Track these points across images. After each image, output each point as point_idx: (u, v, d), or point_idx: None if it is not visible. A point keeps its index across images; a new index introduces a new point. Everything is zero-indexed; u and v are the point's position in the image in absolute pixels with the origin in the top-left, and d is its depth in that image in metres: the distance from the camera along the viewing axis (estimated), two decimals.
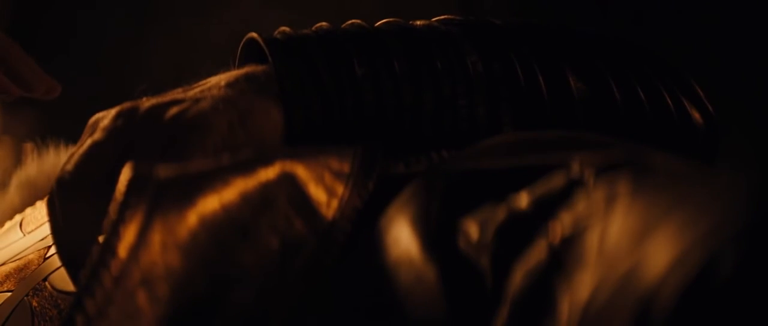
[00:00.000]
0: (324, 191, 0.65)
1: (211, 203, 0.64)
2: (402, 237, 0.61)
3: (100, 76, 1.43)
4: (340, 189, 0.65)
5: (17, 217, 0.88)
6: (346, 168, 0.66)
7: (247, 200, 0.64)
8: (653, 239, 0.48)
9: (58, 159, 0.95)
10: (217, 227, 0.64)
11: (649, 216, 0.50)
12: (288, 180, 0.65)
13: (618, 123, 0.76)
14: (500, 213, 0.57)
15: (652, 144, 0.75)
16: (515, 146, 0.64)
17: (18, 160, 0.97)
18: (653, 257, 0.47)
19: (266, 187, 0.65)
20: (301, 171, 0.65)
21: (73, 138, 0.91)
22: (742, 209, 0.47)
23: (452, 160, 0.67)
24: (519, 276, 0.53)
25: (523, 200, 0.57)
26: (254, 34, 0.76)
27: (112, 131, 0.71)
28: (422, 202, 0.62)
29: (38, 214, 0.86)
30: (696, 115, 0.79)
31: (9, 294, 0.78)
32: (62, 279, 0.76)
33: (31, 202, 0.91)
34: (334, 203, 0.65)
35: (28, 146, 0.97)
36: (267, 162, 0.66)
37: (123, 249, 0.63)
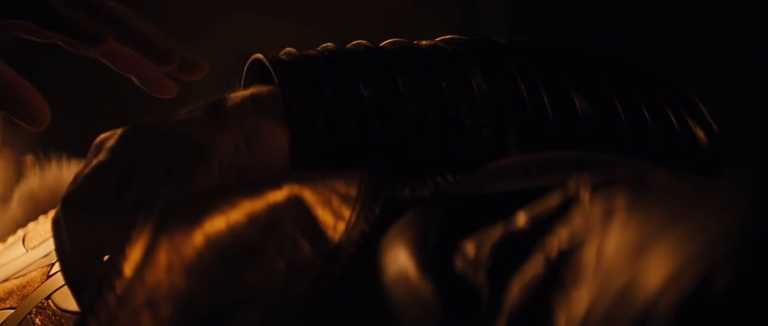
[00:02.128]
0: (331, 214, 0.65)
1: (217, 223, 0.64)
2: (399, 257, 0.61)
3: (102, 90, 1.43)
4: (347, 212, 0.65)
5: (20, 232, 0.88)
6: (353, 192, 0.66)
7: (254, 221, 0.64)
8: (650, 254, 0.49)
9: (60, 172, 0.95)
10: (224, 248, 0.64)
11: (646, 231, 0.50)
12: (295, 203, 0.65)
13: (623, 142, 0.76)
14: (496, 232, 0.57)
15: (656, 163, 0.75)
16: (518, 169, 0.65)
17: (19, 173, 0.97)
18: (650, 272, 0.48)
19: (274, 209, 0.65)
20: (308, 194, 0.66)
21: (74, 151, 0.91)
22: (738, 225, 0.48)
23: (456, 184, 0.67)
24: (516, 289, 0.54)
25: (520, 219, 0.57)
26: (260, 55, 0.76)
27: (118, 152, 0.71)
28: (421, 225, 0.62)
29: (41, 230, 0.86)
30: (700, 134, 0.79)
31: (11, 311, 0.78)
32: (65, 298, 0.76)
33: (33, 216, 0.91)
34: (341, 226, 0.65)
35: (29, 159, 0.97)
36: (275, 184, 0.66)
37: (128, 268, 0.63)
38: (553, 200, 0.57)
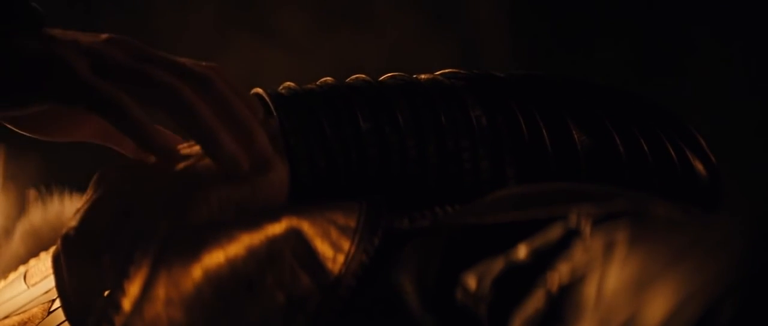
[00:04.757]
0: (330, 246, 0.65)
1: (216, 258, 0.64)
2: (401, 291, 0.61)
3: None
4: (346, 244, 0.66)
5: (21, 269, 0.88)
6: (351, 223, 0.67)
7: (253, 255, 0.64)
8: (651, 289, 0.48)
9: (62, 207, 0.95)
10: (223, 282, 0.64)
11: (648, 265, 0.50)
12: (294, 235, 0.65)
13: (621, 174, 0.76)
14: (498, 265, 0.57)
15: (655, 195, 0.75)
16: (518, 200, 0.65)
17: (22, 208, 0.97)
18: (651, 308, 0.48)
19: (272, 242, 0.65)
20: (307, 226, 0.66)
21: (77, 185, 0.91)
22: (739, 260, 0.48)
23: (455, 215, 0.67)
24: (517, 324, 0.54)
25: (521, 251, 0.57)
26: (259, 90, 0.76)
27: (117, 187, 0.71)
28: (422, 257, 0.62)
29: (42, 266, 0.86)
30: (699, 166, 0.79)
31: None
32: None
33: (35, 252, 0.90)
34: (340, 258, 0.65)
35: (32, 193, 0.97)
36: (273, 217, 0.66)
37: (127, 303, 0.63)
38: (554, 232, 0.57)
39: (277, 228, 0.65)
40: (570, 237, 0.56)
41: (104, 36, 0.72)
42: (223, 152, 0.69)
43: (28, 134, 0.76)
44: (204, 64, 0.73)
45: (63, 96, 0.69)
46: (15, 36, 0.69)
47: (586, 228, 0.55)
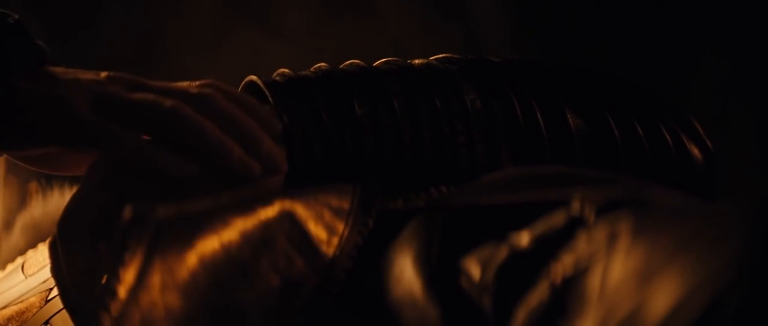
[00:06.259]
0: (324, 229, 0.65)
1: (210, 243, 0.64)
2: (404, 277, 0.61)
3: None
4: (340, 226, 0.65)
5: (19, 260, 0.88)
6: (345, 205, 0.67)
7: (247, 239, 0.64)
8: (655, 281, 0.48)
9: (62, 200, 0.95)
10: (217, 267, 0.64)
11: (651, 257, 0.50)
12: (288, 219, 0.65)
13: (616, 159, 0.76)
14: (501, 253, 0.57)
15: (651, 179, 0.75)
16: (515, 182, 0.64)
17: (23, 201, 0.97)
18: (655, 300, 0.48)
19: (266, 226, 0.65)
20: (300, 209, 0.66)
21: (77, 179, 0.91)
22: (742, 252, 0.47)
23: (452, 196, 0.67)
24: (521, 316, 0.54)
25: (524, 239, 0.57)
26: (254, 77, 0.76)
27: (112, 174, 0.71)
28: (423, 240, 0.62)
29: (40, 256, 0.86)
30: (695, 151, 0.79)
31: None
32: (64, 322, 0.76)
33: (35, 244, 0.91)
34: (335, 240, 0.65)
35: (33, 186, 0.97)
36: (266, 201, 0.66)
37: (123, 290, 0.63)
38: (557, 219, 0.57)
39: (270, 212, 0.65)
40: (573, 225, 0.56)
41: (104, 73, 0.72)
42: (235, 161, 0.70)
43: (36, 169, 0.76)
44: (198, 83, 0.73)
45: (64, 138, 0.69)
46: (15, 75, 0.68)
47: (590, 217, 0.55)
